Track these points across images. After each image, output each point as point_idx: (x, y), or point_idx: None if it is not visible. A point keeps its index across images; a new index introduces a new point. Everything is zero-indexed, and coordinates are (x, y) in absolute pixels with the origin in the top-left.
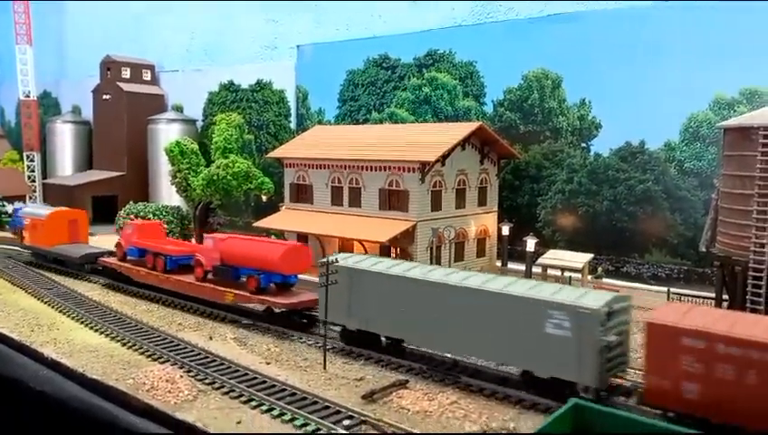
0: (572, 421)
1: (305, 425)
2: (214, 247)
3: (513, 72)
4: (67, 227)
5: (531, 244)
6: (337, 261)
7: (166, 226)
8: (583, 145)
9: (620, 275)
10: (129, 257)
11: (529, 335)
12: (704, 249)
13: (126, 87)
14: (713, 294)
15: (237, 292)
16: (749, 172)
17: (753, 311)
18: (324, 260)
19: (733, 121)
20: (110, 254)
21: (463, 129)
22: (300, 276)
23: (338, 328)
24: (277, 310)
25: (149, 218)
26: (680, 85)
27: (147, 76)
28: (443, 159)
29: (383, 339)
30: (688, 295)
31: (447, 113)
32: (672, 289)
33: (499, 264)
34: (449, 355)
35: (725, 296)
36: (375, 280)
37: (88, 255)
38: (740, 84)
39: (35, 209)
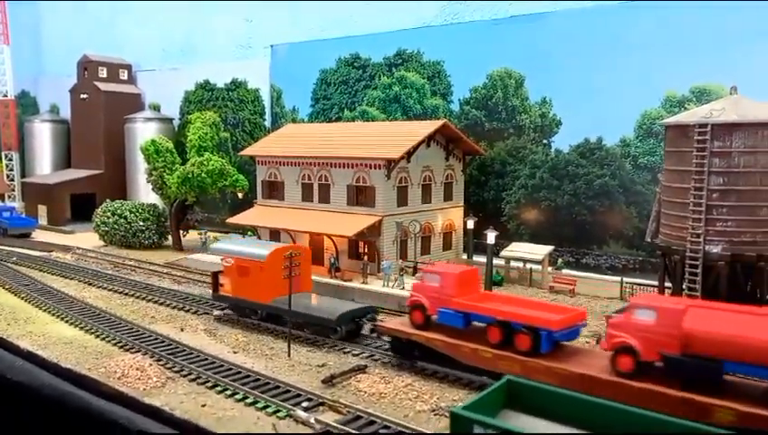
0: (506, 395)
1: (266, 407)
2: (663, 322)
3: (479, 72)
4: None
5: (491, 237)
6: None
7: (142, 223)
8: (545, 142)
9: (580, 266)
10: (439, 323)
11: None
12: (649, 240)
13: (103, 87)
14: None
15: (745, 409)
16: (686, 167)
17: (690, 297)
18: None
19: (672, 119)
20: (366, 308)
21: (427, 126)
22: None
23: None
24: None
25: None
26: (635, 83)
27: (124, 76)
28: (408, 155)
29: None
30: (639, 284)
31: (416, 111)
32: (625, 278)
33: (465, 257)
34: None
35: (668, 284)
36: None
37: (347, 314)
38: (690, 83)
39: (242, 247)
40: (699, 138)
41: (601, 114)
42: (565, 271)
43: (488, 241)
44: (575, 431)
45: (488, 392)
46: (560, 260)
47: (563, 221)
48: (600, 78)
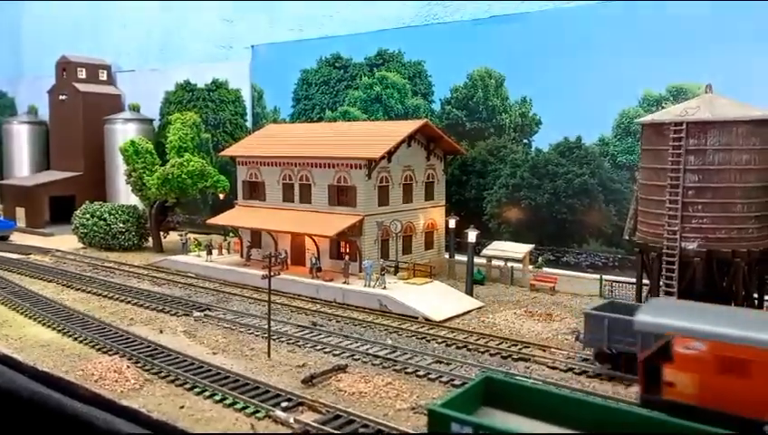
0: (484, 392)
1: (245, 408)
2: None
3: (459, 72)
4: None
5: (472, 235)
6: None
7: (122, 225)
8: (525, 141)
9: (560, 264)
10: None
11: None
12: (627, 238)
13: (82, 87)
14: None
15: None
16: (662, 165)
17: (668, 293)
18: None
19: (648, 118)
20: None
21: (408, 126)
22: None
23: None
24: None
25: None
26: (613, 83)
27: (103, 76)
28: (388, 155)
29: None
30: (618, 281)
31: (398, 111)
32: (605, 276)
33: (447, 256)
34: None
35: (646, 281)
36: None
37: None
38: (667, 82)
39: (723, 325)
40: (675, 136)
41: (580, 113)
42: (546, 269)
43: (469, 240)
44: (554, 428)
45: (466, 389)
46: (540, 258)
47: (544, 220)
48: (578, 77)
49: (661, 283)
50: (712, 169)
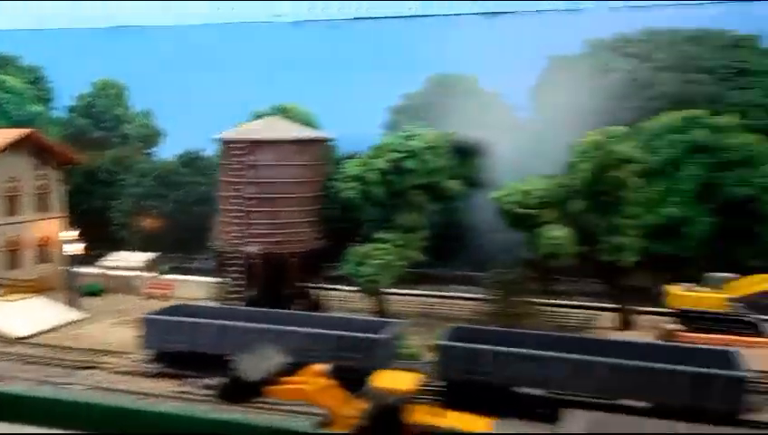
0: None
1: None
2: None
3: (84, 80)
4: None
5: (70, 247)
6: None
7: None
8: (149, 151)
9: (183, 270)
10: None
11: None
12: (210, 244)
13: None
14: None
15: None
16: (230, 178)
17: (237, 289)
18: None
19: (221, 134)
20: None
21: (8, 135)
22: None
23: None
24: None
25: None
26: (231, 100)
27: None
28: None
29: None
30: (222, 284)
31: (17, 118)
32: (213, 279)
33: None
34: None
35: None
36: None
37: None
38: (274, 101)
39: None
40: (238, 152)
41: (203, 126)
42: (166, 276)
43: (65, 251)
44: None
45: None
46: (165, 266)
47: (171, 227)
48: (201, 93)
49: (230, 279)
50: (267, 182)
